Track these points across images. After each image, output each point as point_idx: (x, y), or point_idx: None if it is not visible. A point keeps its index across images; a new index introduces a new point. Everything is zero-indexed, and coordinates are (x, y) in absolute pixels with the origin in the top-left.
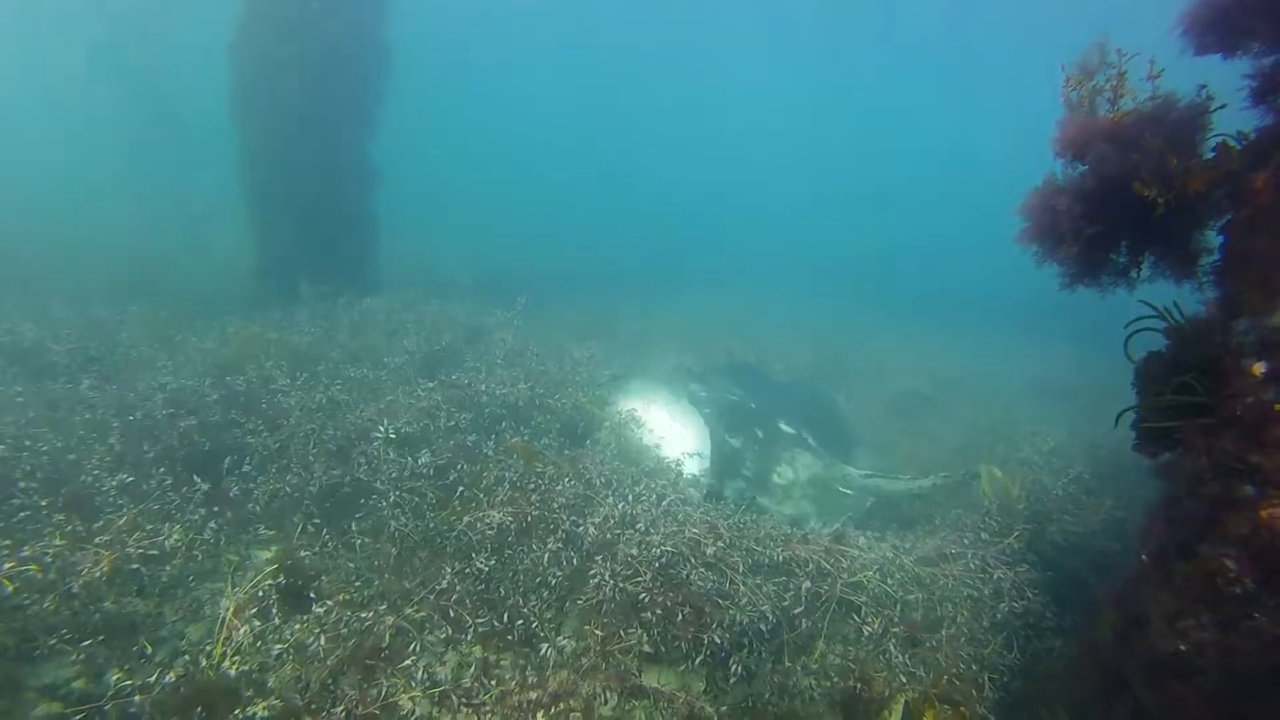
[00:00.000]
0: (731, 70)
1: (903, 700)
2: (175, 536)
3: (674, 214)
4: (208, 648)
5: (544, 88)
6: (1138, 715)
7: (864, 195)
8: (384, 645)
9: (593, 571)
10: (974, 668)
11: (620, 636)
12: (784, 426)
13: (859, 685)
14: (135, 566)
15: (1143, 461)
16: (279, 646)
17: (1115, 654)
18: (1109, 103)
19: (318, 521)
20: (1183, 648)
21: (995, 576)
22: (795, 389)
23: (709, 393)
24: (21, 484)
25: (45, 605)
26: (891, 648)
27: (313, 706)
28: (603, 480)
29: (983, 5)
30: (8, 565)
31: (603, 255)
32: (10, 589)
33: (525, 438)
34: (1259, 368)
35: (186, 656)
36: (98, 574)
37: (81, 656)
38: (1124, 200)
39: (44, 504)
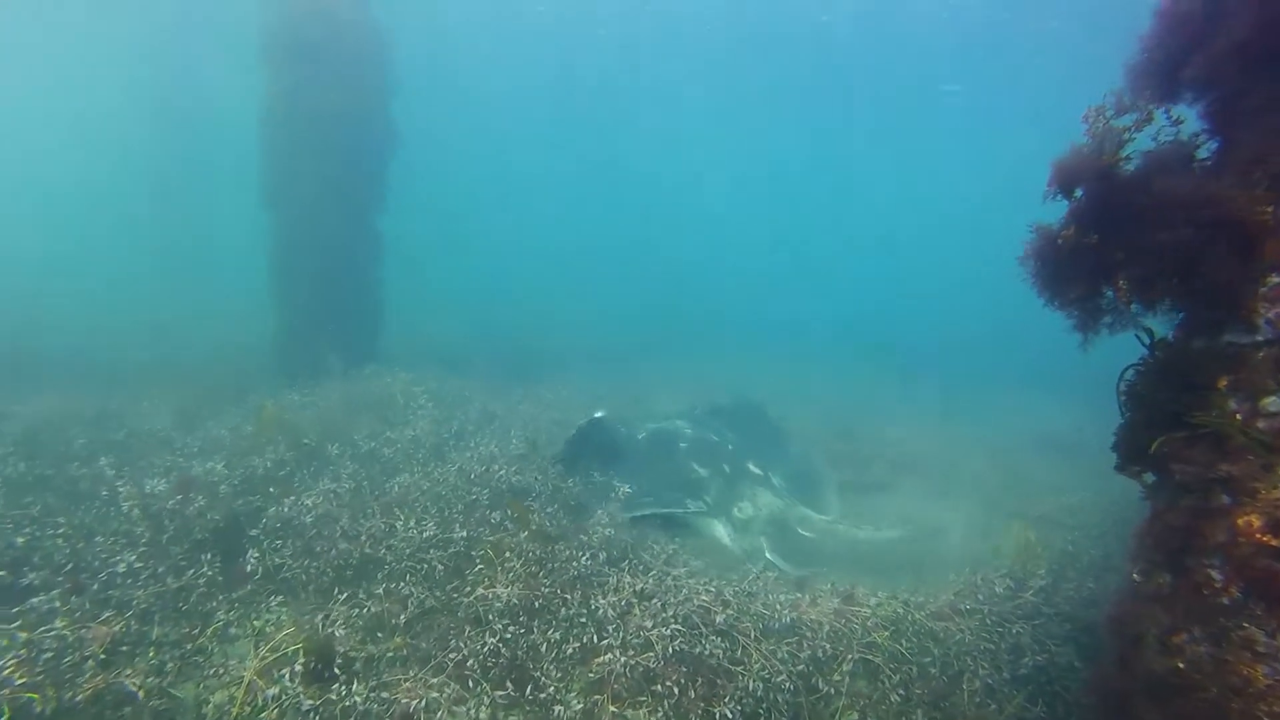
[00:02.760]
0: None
1: None
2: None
3: (679, 285)
4: (231, 710)
5: (542, 163)
6: None
7: (865, 254)
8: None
9: (604, 641)
10: None
11: (633, 705)
12: (752, 467)
13: None
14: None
15: None
16: (310, 702)
17: (1118, 678)
18: (1116, 145)
19: (334, 590)
20: (1180, 665)
21: (1014, 631)
22: (780, 436)
23: (693, 430)
24: (30, 575)
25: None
26: (915, 709)
27: None
28: (606, 555)
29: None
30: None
31: (612, 326)
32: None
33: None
34: (1223, 381)
35: None
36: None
37: None
38: (1122, 219)
39: (55, 588)
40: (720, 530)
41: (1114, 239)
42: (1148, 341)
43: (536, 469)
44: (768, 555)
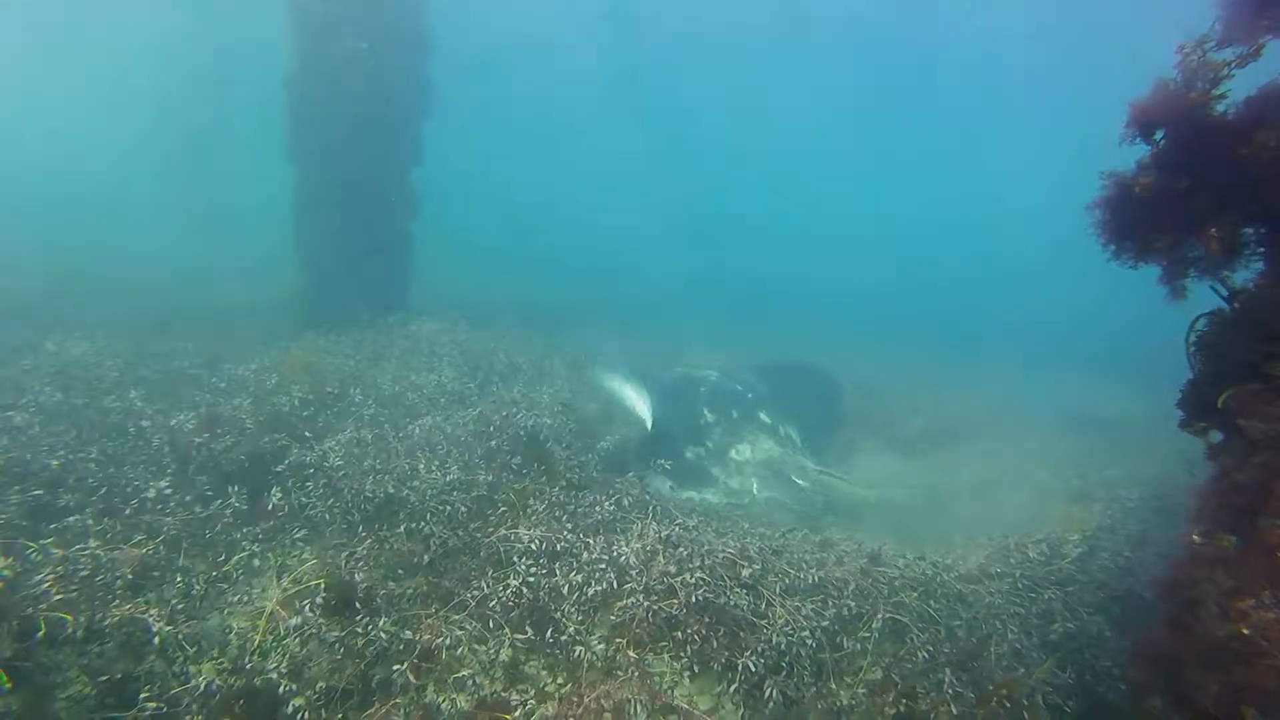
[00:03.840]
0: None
1: None
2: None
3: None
4: (254, 638)
5: (586, 123)
6: (1184, 706)
7: (907, 233)
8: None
9: (627, 585)
10: (1025, 688)
11: (654, 650)
12: (763, 416)
13: (905, 704)
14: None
15: None
16: (333, 636)
17: (1170, 644)
18: (1208, 83)
19: (358, 528)
20: (1244, 631)
21: (1045, 596)
22: (833, 397)
23: (718, 378)
24: (65, 496)
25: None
26: (941, 669)
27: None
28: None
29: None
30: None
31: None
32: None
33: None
34: None
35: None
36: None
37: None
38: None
39: (87, 508)
40: (715, 473)
41: (1205, 185)
42: (1225, 292)
43: (563, 418)
44: (754, 493)
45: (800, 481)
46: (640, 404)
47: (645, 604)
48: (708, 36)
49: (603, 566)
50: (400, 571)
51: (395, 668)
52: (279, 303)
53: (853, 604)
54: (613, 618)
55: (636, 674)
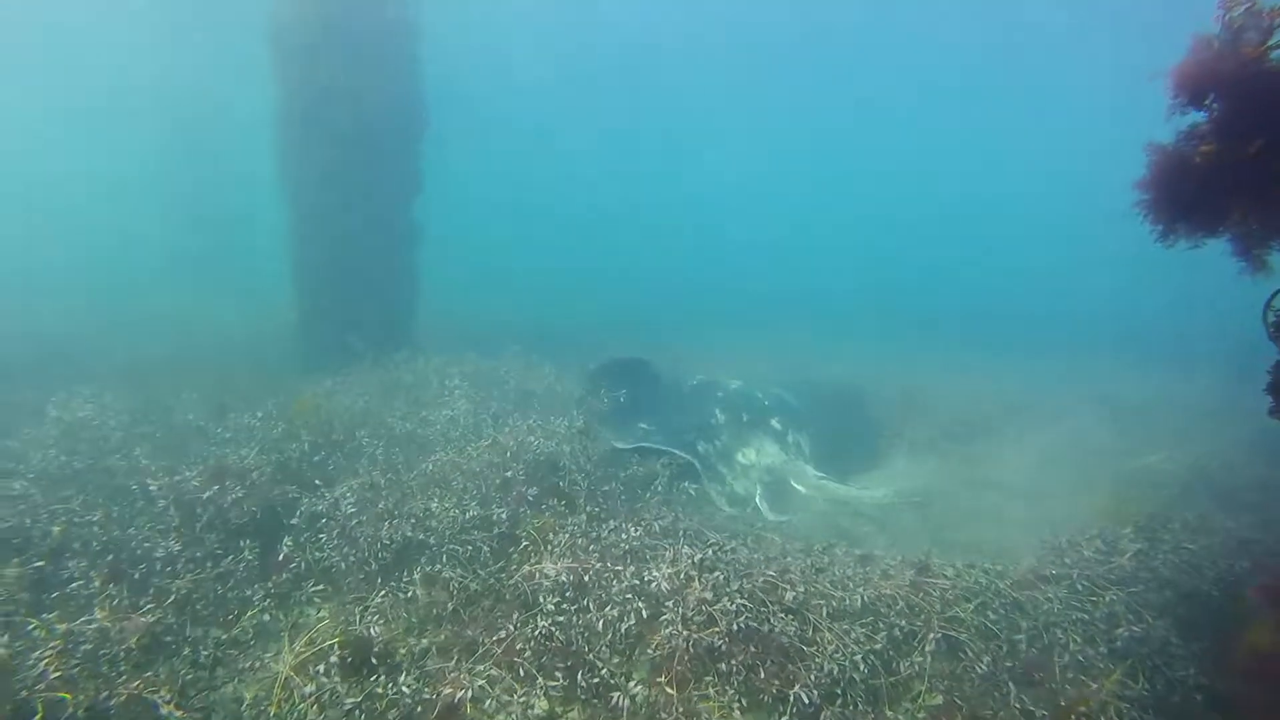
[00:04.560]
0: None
1: None
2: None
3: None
4: (266, 707)
5: (582, 143)
6: None
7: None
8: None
9: (664, 616)
10: (1097, 704)
11: (698, 686)
12: (774, 423)
13: None
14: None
15: (1261, 479)
16: (350, 701)
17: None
18: (1261, 33)
19: (376, 578)
20: None
21: (1107, 599)
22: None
23: (740, 386)
24: (71, 560)
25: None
26: (1007, 684)
27: None
28: (662, 526)
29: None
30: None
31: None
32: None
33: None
34: None
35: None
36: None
37: None
38: None
39: (93, 575)
40: (722, 471)
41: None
42: None
43: (579, 443)
44: (757, 501)
45: (799, 487)
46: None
47: (684, 634)
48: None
49: (631, 596)
50: (418, 623)
51: None
52: (279, 341)
53: (903, 623)
54: (650, 653)
55: (682, 714)
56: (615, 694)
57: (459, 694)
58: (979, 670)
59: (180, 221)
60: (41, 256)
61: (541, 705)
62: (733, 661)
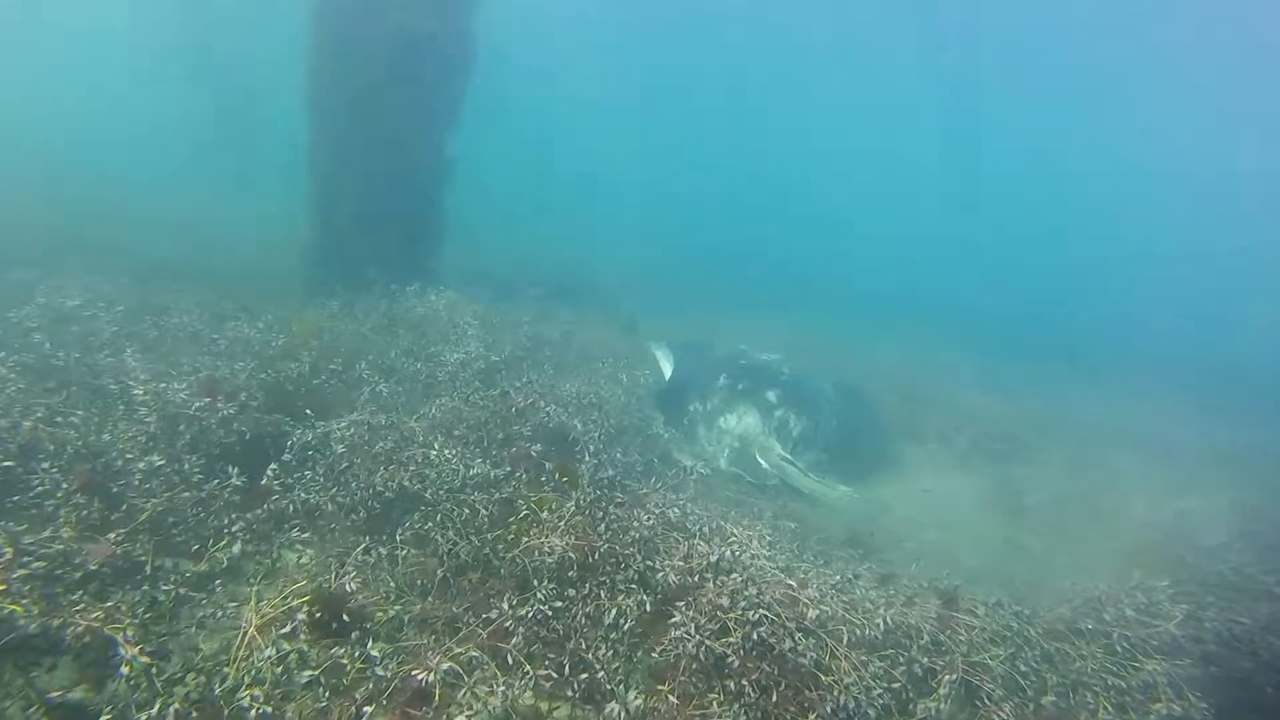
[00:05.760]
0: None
1: None
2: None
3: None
4: (224, 668)
5: (635, 93)
6: None
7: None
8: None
9: (674, 619)
10: None
11: (702, 702)
12: (769, 395)
13: None
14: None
15: None
16: (308, 674)
17: None
18: None
19: (360, 525)
20: None
21: (1149, 668)
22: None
23: (766, 357)
24: (45, 463)
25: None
26: None
27: None
28: (677, 514)
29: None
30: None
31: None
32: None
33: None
34: None
35: (200, 677)
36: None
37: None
38: None
39: (64, 484)
40: (700, 432)
41: None
42: None
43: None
44: (722, 462)
45: (761, 461)
46: (666, 365)
47: (695, 639)
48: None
49: (635, 587)
50: (399, 588)
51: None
52: (292, 255)
53: (925, 660)
54: (654, 656)
55: None
56: (610, 705)
57: (429, 677)
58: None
59: (206, 117)
60: (69, 143)
61: (527, 699)
62: (745, 680)
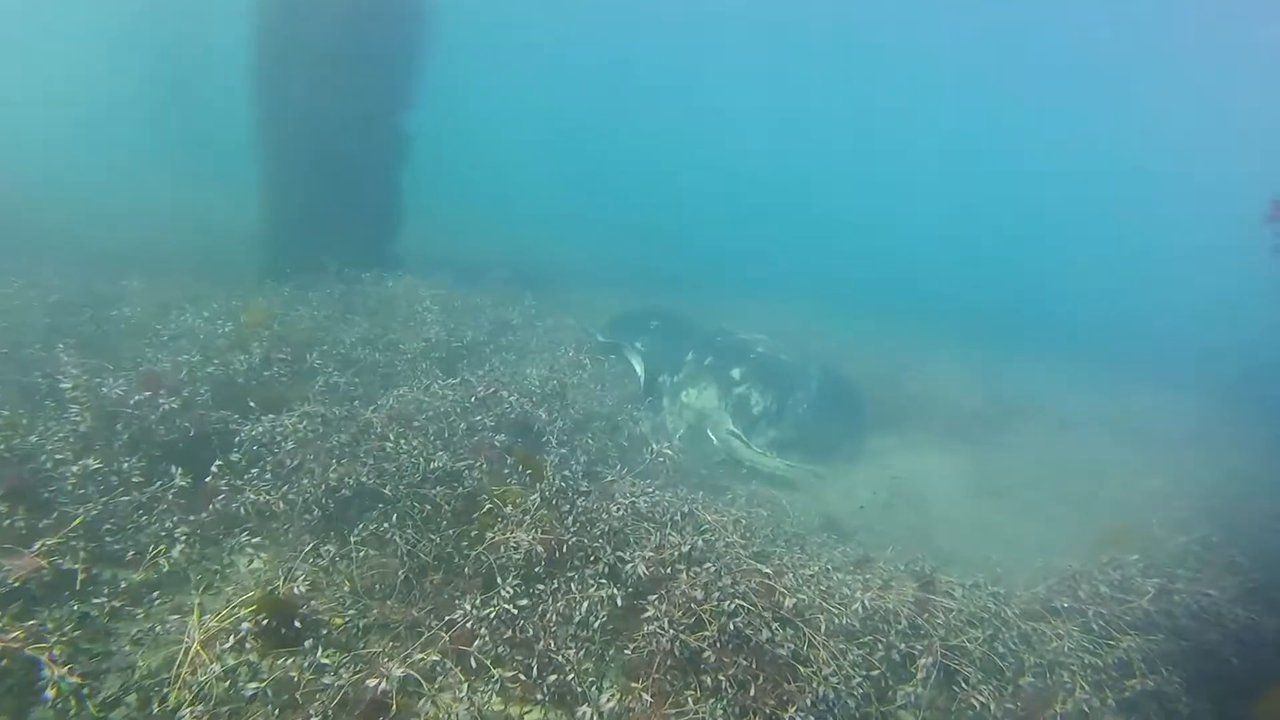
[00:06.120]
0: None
1: None
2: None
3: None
4: (164, 688)
5: (608, 77)
6: None
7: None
8: (386, 696)
9: (647, 613)
10: None
11: (678, 699)
12: (733, 373)
13: None
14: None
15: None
16: (254, 686)
17: None
18: None
19: (315, 525)
20: None
21: (1123, 645)
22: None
23: (747, 336)
24: None
25: None
26: None
27: None
28: (647, 504)
29: None
30: None
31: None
32: None
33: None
34: None
35: (134, 697)
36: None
37: None
38: None
39: None
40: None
41: None
42: None
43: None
44: (678, 436)
45: (712, 436)
46: (636, 362)
47: (669, 634)
48: None
49: (605, 582)
50: (354, 592)
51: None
52: (246, 243)
53: (903, 645)
54: (627, 653)
55: None
56: (583, 707)
57: (383, 685)
58: (974, 704)
59: (162, 104)
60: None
61: (495, 704)
62: (721, 675)
